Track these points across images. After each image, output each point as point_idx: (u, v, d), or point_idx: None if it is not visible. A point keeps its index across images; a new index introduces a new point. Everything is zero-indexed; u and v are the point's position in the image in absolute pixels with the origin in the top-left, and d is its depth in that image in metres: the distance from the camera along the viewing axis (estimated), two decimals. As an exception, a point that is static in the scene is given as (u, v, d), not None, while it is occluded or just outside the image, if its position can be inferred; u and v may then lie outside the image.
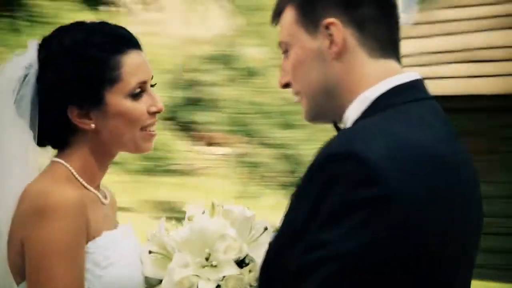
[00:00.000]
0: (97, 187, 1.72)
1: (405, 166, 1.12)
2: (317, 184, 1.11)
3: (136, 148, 1.68)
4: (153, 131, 1.70)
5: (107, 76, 1.63)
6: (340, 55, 1.27)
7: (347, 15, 1.27)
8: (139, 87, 1.66)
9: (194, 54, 13.31)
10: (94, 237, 1.59)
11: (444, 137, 1.22)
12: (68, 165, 1.64)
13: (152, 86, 1.72)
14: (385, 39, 1.29)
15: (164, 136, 11.13)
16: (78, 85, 1.62)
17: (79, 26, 1.68)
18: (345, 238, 1.07)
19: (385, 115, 1.22)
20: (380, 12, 1.28)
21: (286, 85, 1.36)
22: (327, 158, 1.12)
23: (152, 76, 1.71)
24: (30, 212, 1.51)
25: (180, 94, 12.94)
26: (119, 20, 9.76)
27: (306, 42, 1.30)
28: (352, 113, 1.25)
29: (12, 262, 1.56)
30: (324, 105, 1.31)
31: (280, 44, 1.36)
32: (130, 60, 1.66)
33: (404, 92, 1.25)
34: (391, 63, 1.28)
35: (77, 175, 1.64)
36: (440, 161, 1.17)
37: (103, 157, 1.68)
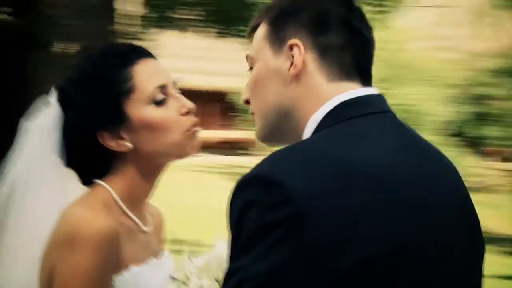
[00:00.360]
0: (141, 211, 1.66)
1: (322, 184, 1.06)
2: (235, 213, 1.09)
3: (182, 152, 1.62)
4: (194, 129, 1.63)
5: (120, 90, 1.58)
6: (298, 78, 1.24)
7: (313, 39, 1.24)
8: (161, 93, 1.61)
9: (482, 68, 12.94)
10: (122, 270, 1.54)
11: (391, 151, 1.16)
12: (110, 189, 1.60)
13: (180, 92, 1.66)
14: (348, 64, 1.25)
15: (451, 153, 10.97)
16: (96, 109, 1.58)
17: (86, 57, 1.67)
18: (257, 260, 1.04)
19: (320, 134, 1.19)
20: (348, 40, 1.25)
21: (247, 102, 1.35)
22: (241, 184, 1.10)
23: (176, 82, 1.66)
24: (62, 238, 1.48)
25: (466, 109, 12.68)
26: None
27: (270, 60, 1.27)
28: (305, 137, 1.23)
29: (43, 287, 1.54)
30: (277, 126, 1.29)
31: (247, 58, 1.35)
32: (140, 68, 1.61)
33: (349, 108, 1.21)
34: (349, 85, 1.24)
35: (119, 200, 1.60)
36: (375, 176, 1.10)
37: (149, 174, 1.63)
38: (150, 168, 1.63)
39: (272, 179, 1.05)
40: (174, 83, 1.65)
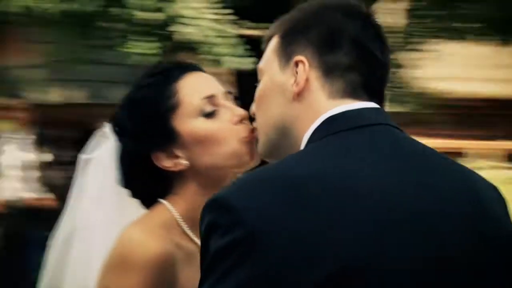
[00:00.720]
0: None
1: (275, 204, 1.04)
2: (202, 234, 1.09)
3: (241, 162, 1.54)
4: (251, 136, 1.53)
5: (165, 107, 1.54)
6: (300, 95, 1.22)
7: (319, 57, 1.22)
8: (210, 104, 1.55)
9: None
10: None
11: (373, 163, 1.11)
12: (172, 208, 1.55)
13: (236, 98, 1.62)
14: (355, 83, 1.21)
15: None
16: (146, 131, 1.55)
17: (135, 84, 1.63)
18: (216, 284, 1.03)
19: (298, 152, 1.18)
20: (356, 59, 1.21)
21: (254, 116, 1.35)
22: (206, 205, 1.09)
23: (228, 92, 1.60)
24: (116, 261, 1.46)
25: None
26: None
27: (276, 74, 1.26)
28: None
29: None
30: (277, 144, 1.27)
31: (257, 70, 1.33)
32: (185, 83, 1.57)
33: (337, 122, 1.18)
34: (349, 101, 1.20)
35: (180, 219, 1.55)
36: (340, 191, 1.06)
37: (210, 189, 1.49)
38: (210, 183, 1.56)
39: (227, 202, 1.06)
40: (226, 93, 1.60)
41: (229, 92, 1.62)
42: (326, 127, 1.17)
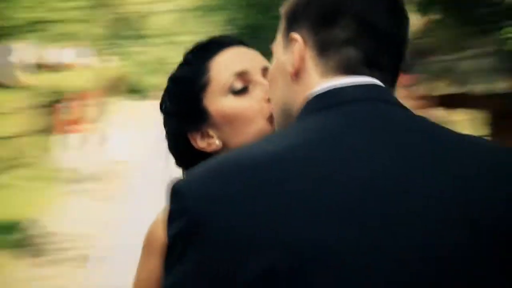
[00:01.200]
0: None
1: (221, 189, 0.96)
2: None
3: None
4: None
5: (197, 86, 1.47)
6: (297, 76, 1.13)
7: (314, 35, 1.12)
8: (241, 81, 1.45)
9: None
10: None
11: (344, 143, 1.00)
12: None
13: None
14: (352, 59, 1.11)
15: None
16: (182, 111, 1.49)
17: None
18: (166, 274, 0.98)
19: (267, 135, 1.15)
20: (355, 34, 1.11)
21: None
22: (166, 194, 1.04)
23: (265, 67, 1.47)
24: (143, 241, 1.50)
25: None
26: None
27: (280, 56, 1.18)
28: None
29: None
30: (285, 127, 1.18)
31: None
32: (218, 59, 1.48)
33: (316, 101, 1.09)
34: (340, 78, 1.10)
35: None
36: (309, 176, 0.96)
37: None
38: None
39: (178, 189, 0.99)
40: (263, 69, 1.47)
41: (267, 68, 1.46)
42: (306, 107, 1.09)
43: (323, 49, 1.12)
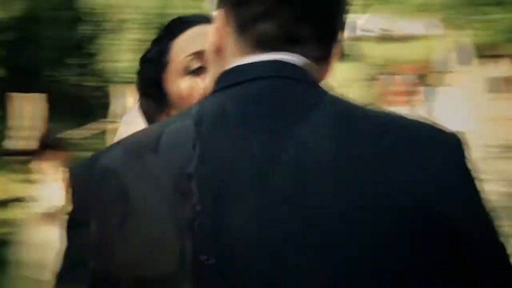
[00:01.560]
0: None
1: (97, 172, 0.92)
2: None
3: None
4: None
5: (159, 67, 1.42)
6: (218, 55, 1.05)
7: (234, 11, 1.03)
8: (198, 61, 1.37)
9: None
10: None
11: (242, 119, 0.94)
12: None
13: None
14: (267, 35, 1.01)
15: None
16: (149, 91, 1.45)
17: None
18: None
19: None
20: (273, 8, 1.00)
21: None
22: None
23: None
24: None
25: None
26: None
27: (211, 34, 1.08)
28: None
29: None
30: None
31: None
32: (180, 38, 1.41)
33: (218, 82, 1.02)
34: (253, 56, 1.01)
35: None
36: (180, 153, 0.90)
37: None
38: None
39: (73, 169, 0.99)
40: None
41: None
42: (213, 86, 1.04)
43: (241, 25, 1.04)
